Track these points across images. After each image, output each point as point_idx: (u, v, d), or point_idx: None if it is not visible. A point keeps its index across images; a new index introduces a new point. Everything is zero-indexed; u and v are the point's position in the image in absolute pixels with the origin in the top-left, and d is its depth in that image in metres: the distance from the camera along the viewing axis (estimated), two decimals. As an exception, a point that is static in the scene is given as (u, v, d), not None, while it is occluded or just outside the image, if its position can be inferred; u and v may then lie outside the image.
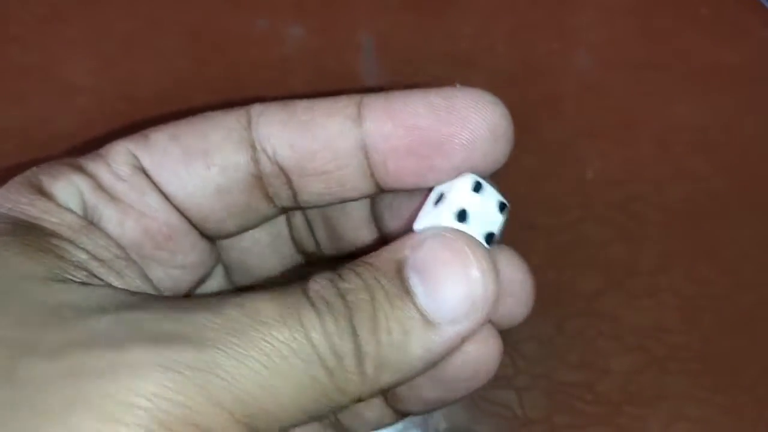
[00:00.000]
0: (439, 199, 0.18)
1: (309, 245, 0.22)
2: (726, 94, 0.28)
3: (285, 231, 0.22)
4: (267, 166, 0.19)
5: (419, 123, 0.18)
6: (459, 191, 0.18)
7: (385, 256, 0.17)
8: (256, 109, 0.19)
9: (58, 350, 0.14)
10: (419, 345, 0.16)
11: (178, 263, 0.19)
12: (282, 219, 0.21)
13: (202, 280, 0.21)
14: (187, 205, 0.19)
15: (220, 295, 0.19)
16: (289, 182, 0.19)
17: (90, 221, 0.18)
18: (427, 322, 0.16)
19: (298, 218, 0.21)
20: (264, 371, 0.15)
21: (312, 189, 0.19)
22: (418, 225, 0.18)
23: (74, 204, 0.18)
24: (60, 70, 0.27)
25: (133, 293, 0.17)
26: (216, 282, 0.21)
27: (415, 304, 0.16)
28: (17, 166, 0.18)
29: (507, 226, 0.18)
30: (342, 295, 0.16)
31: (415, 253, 0.17)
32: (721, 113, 0.28)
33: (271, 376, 0.15)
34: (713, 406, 0.26)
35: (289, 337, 0.15)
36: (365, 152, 0.18)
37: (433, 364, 0.17)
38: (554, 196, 0.27)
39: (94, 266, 0.17)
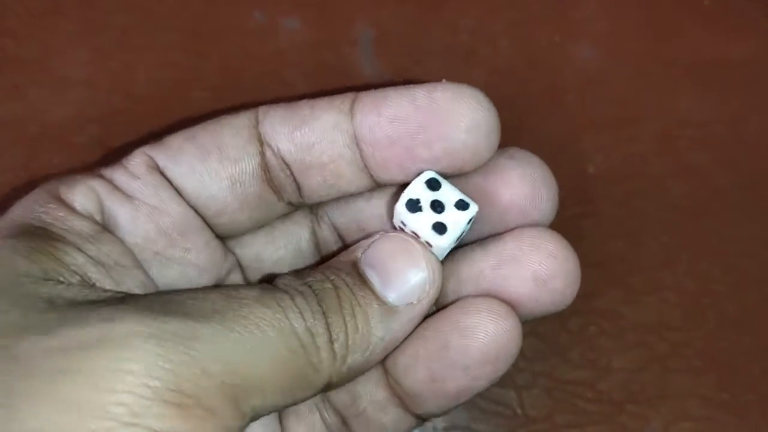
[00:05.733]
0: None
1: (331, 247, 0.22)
2: (730, 89, 0.27)
3: (306, 236, 0.22)
4: (272, 159, 0.20)
5: (400, 114, 0.19)
6: (413, 184, 0.19)
7: (341, 258, 0.20)
8: (263, 108, 0.20)
9: (51, 329, 0.15)
10: (380, 327, 0.18)
11: (191, 261, 0.20)
12: (304, 224, 0.22)
13: (216, 285, 0.21)
14: (203, 199, 0.20)
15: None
16: (292, 175, 0.20)
17: (105, 226, 0.19)
18: (386, 306, 0.19)
19: (324, 225, 0.22)
20: (245, 342, 0.16)
21: (312, 181, 0.20)
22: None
23: (93, 208, 0.19)
24: (55, 63, 0.27)
25: (120, 293, 0.18)
26: None
27: (372, 291, 0.19)
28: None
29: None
30: (309, 285, 0.18)
31: (366, 252, 0.19)
32: (725, 108, 0.27)
33: (252, 347, 0.16)
34: (716, 405, 0.25)
35: (267, 314, 0.17)
36: (357, 144, 0.19)
37: (394, 344, 0.19)
38: (555, 192, 0.27)
39: (92, 271, 0.18)
